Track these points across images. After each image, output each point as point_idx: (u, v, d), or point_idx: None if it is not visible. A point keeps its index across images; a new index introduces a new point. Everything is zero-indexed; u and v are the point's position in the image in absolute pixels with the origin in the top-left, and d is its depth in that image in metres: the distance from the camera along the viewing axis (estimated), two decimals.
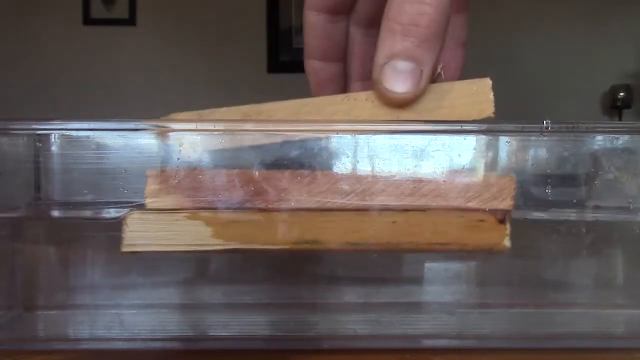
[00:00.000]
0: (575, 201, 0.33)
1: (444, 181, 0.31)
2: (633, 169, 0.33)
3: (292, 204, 0.31)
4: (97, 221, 0.37)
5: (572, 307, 0.39)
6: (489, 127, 0.31)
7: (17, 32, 2.09)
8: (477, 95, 0.32)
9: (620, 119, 2.05)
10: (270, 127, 0.32)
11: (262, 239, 0.32)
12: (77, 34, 2.11)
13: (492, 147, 0.32)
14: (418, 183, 0.31)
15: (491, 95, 0.32)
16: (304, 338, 0.35)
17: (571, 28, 2.09)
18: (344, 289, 0.38)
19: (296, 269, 0.37)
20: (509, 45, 2.06)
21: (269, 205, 0.31)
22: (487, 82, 0.32)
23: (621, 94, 2.04)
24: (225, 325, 0.37)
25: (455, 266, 0.37)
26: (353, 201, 0.31)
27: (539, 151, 0.33)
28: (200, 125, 0.31)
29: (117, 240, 0.36)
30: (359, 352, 0.33)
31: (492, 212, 0.31)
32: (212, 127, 0.31)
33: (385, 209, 0.31)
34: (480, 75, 0.32)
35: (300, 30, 2.12)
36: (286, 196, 0.31)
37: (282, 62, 2.10)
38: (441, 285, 0.37)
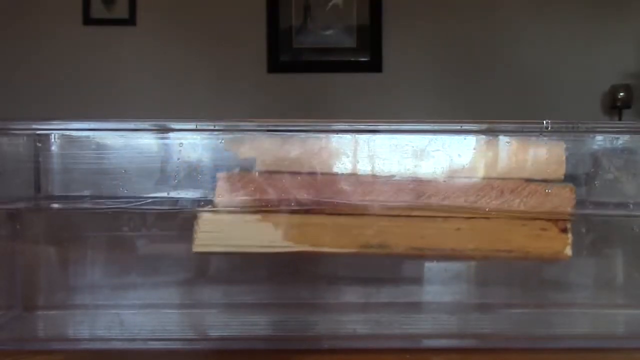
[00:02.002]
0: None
1: (510, 191, 0.31)
2: (633, 169, 0.33)
3: (360, 209, 0.31)
4: (97, 221, 0.37)
5: (572, 307, 0.39)
6: (490, 127, 0.31)
7: (17, 32, 2.08)
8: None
9: (620, 119, 2.05)
10: (271, 126, 0.32)
11: (330, 242, 0.32)
12: (77, 34, 2.10)
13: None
14: (481, 191, 0.31)
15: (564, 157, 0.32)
16: (304, 338, 0.35)
17: (571, 28, 2.09)
18: (344, 289, 0.38)
19: (296, 269, 0.37)
20: (509, 45, 2.06)
21: (337, 209, 0.31)
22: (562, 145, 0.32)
23: (621, 94, 2.04)
24: (225, 325, 0.37)
25: (455, 266, 0.37)
26: (419, 207, 0.31)
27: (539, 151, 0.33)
28: (200, 125, 0.31)
29: (117, 240, 0.36)
30: (359, 352, 0.33)
31: (555, 221, 0.32)
32: (212, 127, 0.31)
33: (450, 216, 0.31)
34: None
35: (300, 30, 2.12)
36: (353, 200, 0.31)
37: (282, 62, 2.10)
38: (441, 285, 0.37)
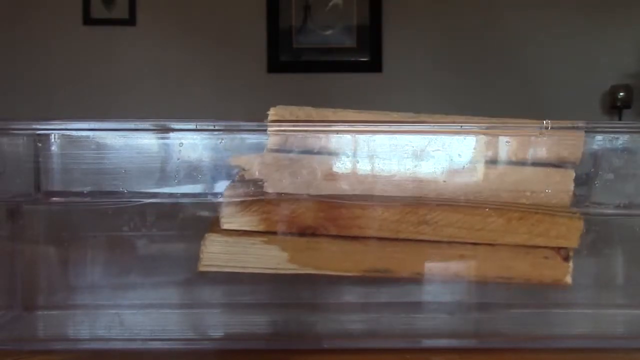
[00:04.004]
0: (575, 200, 0.33)
1: (517, 219, 0.31)
2: (633, 169, 0.33)
3: (366, 233, 0.31)
4: (97, 221, 0.37)
5: (572, 307, 0.39)
6: (490, 127, 0.31)
7: (17, 32, 2.08)
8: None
9: (620, 119, 2.05)
10: (271, 127, 0.32)
11: (335, 266, 0.32)
12: (77, 34, 2.10)
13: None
14: (489, 218, 0.31)
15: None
16: (304, 338, 0.35)
17: (571, 28, 2.09)
18: (344, 289, 0.38)
19: None
20: (510, 46, 2.06)
21: (343, 234, 0.32)
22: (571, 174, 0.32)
23: (621, 94, 2.04)
24: (225, 325, 0.37)
25: (455, 266, 0.37)
26: (424, 232, 0.31)
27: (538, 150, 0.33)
28: (200, 125, 0.31)
29: (117, 240, 0.36)
30: (359, 352, 0.33)
31: (557, 250, 0.32)
32: (212, 127, 0.31)
33: (454, 242, 0.32)
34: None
35: (300, 30, 2.12)
36: (360, 225, 0.31)
37: (282, 62, 2.10)
38: (441, 285, 0.37)
